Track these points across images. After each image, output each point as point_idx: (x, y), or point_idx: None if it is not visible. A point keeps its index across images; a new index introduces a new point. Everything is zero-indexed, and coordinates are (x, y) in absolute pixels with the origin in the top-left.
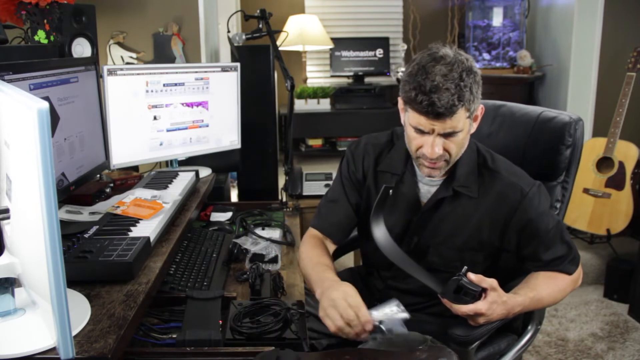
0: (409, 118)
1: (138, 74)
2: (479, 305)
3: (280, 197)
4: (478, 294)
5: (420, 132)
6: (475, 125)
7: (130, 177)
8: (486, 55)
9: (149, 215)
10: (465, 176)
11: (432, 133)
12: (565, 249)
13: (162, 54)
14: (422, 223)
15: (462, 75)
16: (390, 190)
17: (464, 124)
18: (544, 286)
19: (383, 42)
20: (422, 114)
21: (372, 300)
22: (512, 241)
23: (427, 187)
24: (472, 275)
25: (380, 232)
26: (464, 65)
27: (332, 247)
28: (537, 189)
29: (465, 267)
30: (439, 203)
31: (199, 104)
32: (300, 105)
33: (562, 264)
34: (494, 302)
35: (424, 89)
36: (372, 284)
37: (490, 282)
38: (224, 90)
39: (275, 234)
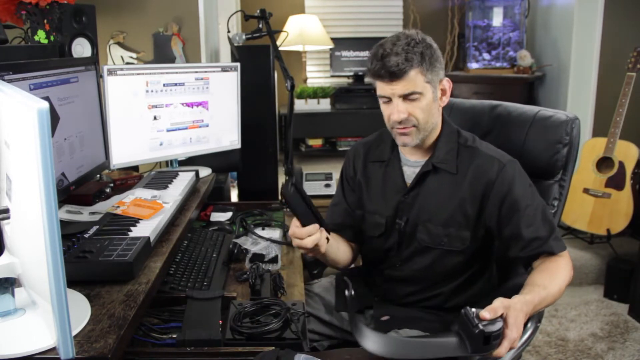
0: (377, 91)
1: (138, 74)
2: (512, 334)
3: (280, 197)
4: (502, 328)
5: (386, 101)
6: (445, 100)
7: (130, 177)
8: (486, 55)
9: (149, 215)
10: (444, 154)
11: (393, 98)
12: (547, 229)
13: (162, 54)
14: (410, 202)
15: (411, 43)
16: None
17: (424, 88)
18: (540, 278)
19: None
20: (377, 78)
21: (373, 297)
22: (493, 216)
23: (413, 168)
24: (485, 313)
25: (369, 340)
26: (415, 38)
27: (348, 247)
28: (515, 164)
29: (473, 310)
30: (422, 180)
31: (199, 104)
32: (300, 105)
33: (545, 244)
34: (516, 317)
35: (377, 56)
36: (372, 281)
37: (502, 303)
38: (224, 90)
39: (275, 234)
